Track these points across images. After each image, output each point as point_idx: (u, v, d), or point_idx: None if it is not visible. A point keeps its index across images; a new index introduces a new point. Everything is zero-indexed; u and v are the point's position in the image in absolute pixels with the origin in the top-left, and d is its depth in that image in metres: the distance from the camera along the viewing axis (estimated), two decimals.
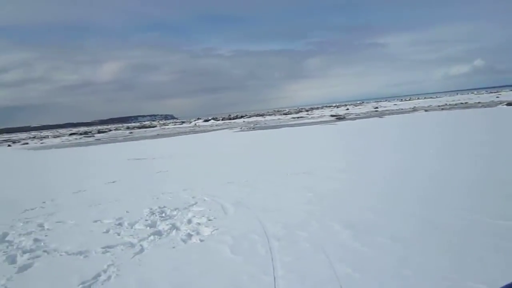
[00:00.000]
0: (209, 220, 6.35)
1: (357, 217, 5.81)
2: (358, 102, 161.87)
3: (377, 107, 71.16)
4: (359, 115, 49.90)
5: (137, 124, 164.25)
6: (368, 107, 77.03)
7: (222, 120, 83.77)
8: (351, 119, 41.38)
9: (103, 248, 5.38)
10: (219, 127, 54.74)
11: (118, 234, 6.01)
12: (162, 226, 6.26)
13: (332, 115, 53.92)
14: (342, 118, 44.82)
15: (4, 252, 5.62)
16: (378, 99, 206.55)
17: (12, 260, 5.27)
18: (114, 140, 46.02)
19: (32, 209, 8.46)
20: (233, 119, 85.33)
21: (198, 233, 5.74)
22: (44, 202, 9.10)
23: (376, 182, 8.34)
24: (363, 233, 5.05)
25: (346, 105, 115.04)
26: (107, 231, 6.21)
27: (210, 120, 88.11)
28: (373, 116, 41.40)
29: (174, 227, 6.14)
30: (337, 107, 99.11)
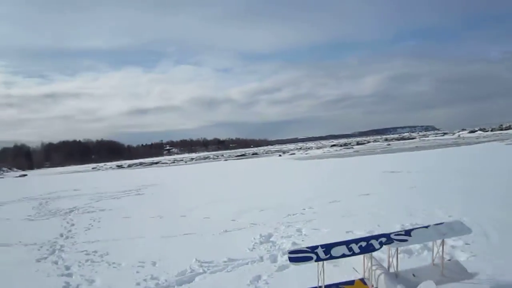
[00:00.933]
0: (467, 244, 5.71)
1: None
2: None
3: None
4: None
5: (396, 135, 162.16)
6: None
7: (491, 131, 74.63)
8: None
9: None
10: (486, 139, 48.94)
11: None
12: None
13: None
14: None
15: (268, 251, 6.41)
16: None
17: (273, 259, 5.95)
18: (371, 152, 46.74)
19: (293, 215, 9.39)
20: (506, 129, 74.69)
21: (452, 257, 5.24)
22: (304, 209, 9.96)
23: None
24: None
25: None
26: None
27: (476, 131, 79.68)
28: None
29: (425, 247, 5.77)
30: None
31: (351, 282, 4.36)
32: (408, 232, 4.09)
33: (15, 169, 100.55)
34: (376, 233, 6.72)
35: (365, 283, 4.30)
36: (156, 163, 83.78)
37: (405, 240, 4.00)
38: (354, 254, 3.84)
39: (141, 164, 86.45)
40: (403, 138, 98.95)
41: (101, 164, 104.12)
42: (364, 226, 7.38)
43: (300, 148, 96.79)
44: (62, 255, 7.33)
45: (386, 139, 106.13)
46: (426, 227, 4.31)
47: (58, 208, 14.35)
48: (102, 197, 17.11)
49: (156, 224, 9.98)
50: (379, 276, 4.16)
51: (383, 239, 3.95)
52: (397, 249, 3.99)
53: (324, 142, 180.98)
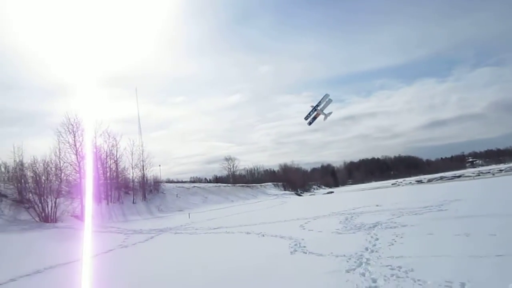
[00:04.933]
0: None
1: None
2: None
3: None
4: None
5: None
6: None
7: None
8: None
9: None
10: None
11: None
12: None
13: None
14: None
15: None
16: None
17: None
18: None
19: None
20: None
21: None
22: None
23: None
24: None
25: None
26: None
27: None
28: None
29: None
30: None
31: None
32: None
33: (323, 187, 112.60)
34: None
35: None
36: (458, 176, 78.00)
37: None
38: None
39: (441, 178, 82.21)
40: None
41: (400, 180, 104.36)
42: None
43: None
44: (368, 268, 7.70)
45: None
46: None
47: (362, 223, 15.14)
48: (403, 213, 17.10)
49: (462, 242, 9.27)
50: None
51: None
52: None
53: None
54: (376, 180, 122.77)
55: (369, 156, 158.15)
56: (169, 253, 13.46)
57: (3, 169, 31.78)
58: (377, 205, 22.80)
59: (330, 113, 18.98)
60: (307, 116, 18.85)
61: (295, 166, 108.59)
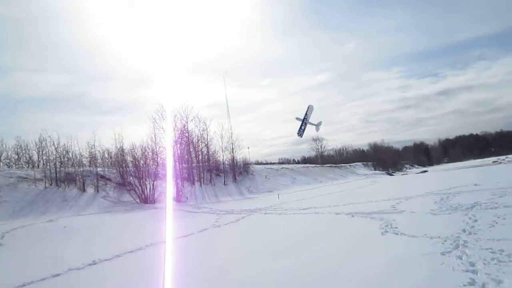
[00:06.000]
0: None
1: None
2: None
3: None
4: None
5: None
6: None
7: None
8: None
9: None
10: None
11: None
12: None
13: None
14: None
15: None
16: None
17: None
18: None
19: None
20: None
21: None
22: None
23: None
24: None
25: None
26: None
27: None
28: None
29: None
30: None
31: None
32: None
33: (416, 166, 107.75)
34: None
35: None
36: None
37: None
38: None
39: None
40: None
41: (502, 157, 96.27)
42: None
43: None
44: (466, 251, 7.30)
45: None
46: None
47: (459, 203, 14.31)
48: (505, 192, 15.86)
49: None
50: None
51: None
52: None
53: None
54: (474, 158, 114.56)
55: (466, 132, 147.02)
56: (260, 233, 13.81)
57: (106, 155, 34.77)
58: (476, 185, 21.42)
59: (320, 123, 22.55)
60: (298, 131, 22.86)
61: (386, 145, 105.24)
